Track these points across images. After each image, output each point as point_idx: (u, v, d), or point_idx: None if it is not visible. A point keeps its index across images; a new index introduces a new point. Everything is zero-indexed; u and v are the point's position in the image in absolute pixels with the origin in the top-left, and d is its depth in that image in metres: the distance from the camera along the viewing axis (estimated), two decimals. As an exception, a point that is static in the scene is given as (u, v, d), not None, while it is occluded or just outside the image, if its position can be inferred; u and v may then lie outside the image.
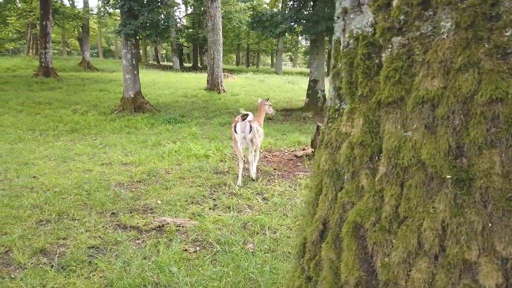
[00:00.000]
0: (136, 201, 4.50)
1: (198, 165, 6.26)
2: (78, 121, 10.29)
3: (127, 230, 3.73)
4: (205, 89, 18.63)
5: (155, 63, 42.32)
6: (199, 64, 37.16)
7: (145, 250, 3.25)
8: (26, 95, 14.37)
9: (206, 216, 4.01)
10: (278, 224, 3.76)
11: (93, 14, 31.21)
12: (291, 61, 58.67)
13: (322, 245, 1.19)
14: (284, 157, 7.03)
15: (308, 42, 51.09)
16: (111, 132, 9.41)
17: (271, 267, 2.80)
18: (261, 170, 6.08)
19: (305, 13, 13.34)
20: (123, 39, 12.00)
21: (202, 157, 6.77)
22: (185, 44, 36.85)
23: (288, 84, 22.82)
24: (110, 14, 14.93)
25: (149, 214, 4.13)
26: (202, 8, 31.54)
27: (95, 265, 3.01)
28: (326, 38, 14.80)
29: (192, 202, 4.46)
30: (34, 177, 5.45)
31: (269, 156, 7.08)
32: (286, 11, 14.17)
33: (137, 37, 12.12)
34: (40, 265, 3.04)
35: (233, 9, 29.94)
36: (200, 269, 2.89)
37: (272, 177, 5.68)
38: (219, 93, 18.16)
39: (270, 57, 54.49)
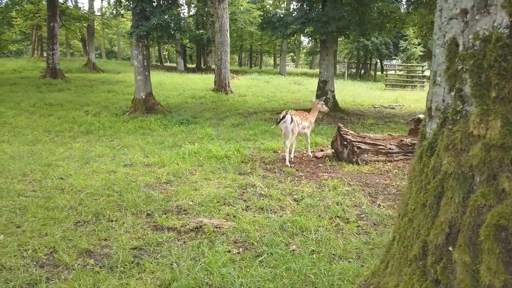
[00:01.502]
0: (168, 202, 4.53)
1: (220, 166, 6.30)
2: (92, 123, 10.32)
3: (165, 231, 3.76)
4: (213, 90, 18.66)
5: (159, 64, 42.40)
6: (202, 65, 37.17)
7: (189, 251, 3.28)
8: (37, 96, 14.41)
9: (241, 217, 4.04)
10: (316, 226, 3.79)
11: (98, 15, 31.23)
12: (292, 62, 58.66)
13: (450, 248, 1.20)
14: (304, 158, 7.06)
15: (310, 43, 51.18)
16: (126, 134, 9.44)
17: (323, 269, 2.83)
18: (283, 171, 6.11)
19: (314, 13, 13.36)
20: (134, 40, 12.03)
21: (222, 158, 6.79)
22: (189, 45, 36.86)
23: (294, 85, 22.83)
24: (122, 15, 14.92)
25: (184, 215, 4.16)
26: (206, 9, 31.63)
27: (142, 266, 3.04)
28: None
29: (224, 203, 4.49)
30: (61, 178, 5.48)
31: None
32: (296, 12, 14.18)
33: (149, 39, 12.14)
34: (87, 266, 3.07)
35: (237, 10, 29.97)
36: (249, 270, 2.92)
37: (297, 178, 5.70)
38: (227, 94, 18.19)
39: (272, 58, 54.53)
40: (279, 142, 8.16)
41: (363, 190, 5.05)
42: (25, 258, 3.16)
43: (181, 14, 28.92)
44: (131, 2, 11.44)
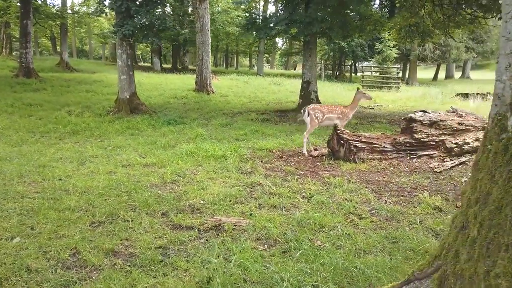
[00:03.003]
0: (179, 201, 4.51)
1: (220, 165, 6.31)
2: (77, 123, 10.07)
3: (184, 230, 3.75)
4: (194, 90, 18.54)
5: (133, 63, 41.56)
6: (178, 65, 36.80)
7: (215, 249, 3.30)
8: (12, 96, 13.87)
9: (257, 215, 4.09)
10: (332, 222, 3.88)
11: (72, 13, 30.29)
12: (267, 62, 59.00)
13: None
14: (300, 157, 7.16)
15: (284, 44, 51.63)
16: (115, 134, 9.26)
17: (357, 262, 2.92)
18: (283, 170, 6.19)
19: (298, 15, 13.53)
20: (118, 39, 11.80)
21: (220, 158, 6.81)
22: (165, 45, 36.41)
23: (274, 85, 23.00)
24: (106, 13, 14.57)
25: (198, 214, 4.16)
26: (183, 9, 31.36)
27: (174, 265, 3.03)
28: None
29: (236, 202, 4.52)
30: (60, 179, 5.34)
31: (284, 156, 7.20)
32: (279, 14, 14.33)
33: (133, 38, 11.94)
34: (116, 266, 3.04)
35: (215, 10, 29.87)
36: (283, 265, 2.97)
37: (298, 176, 5.79)
38: (208, 94, 18.13)
39: (248, 58, 54.62)
40: (273, 142, 8.25)
41: (366, 187, 5.20)
42: (49, 259, 3.09)
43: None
44: (115, 1, 11.21)
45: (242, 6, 28.23)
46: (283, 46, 51.87)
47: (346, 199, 4.60)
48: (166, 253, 3.26)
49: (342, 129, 6.94)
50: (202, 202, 4.52)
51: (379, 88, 22.81)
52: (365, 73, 26.02)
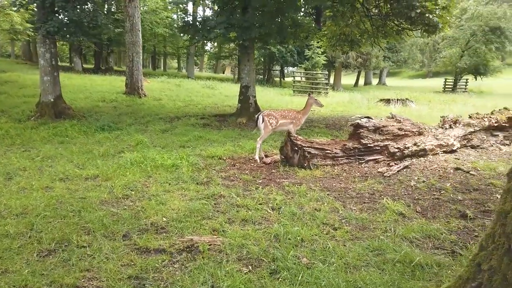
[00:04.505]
0: (139, 220, 4.05)
1: (173, 176, 5.88)
2: (-8, 130, 8.81)
3: (154, 254, 3.35)
4: (124, 93, 17.49)
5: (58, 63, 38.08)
6: (102, 66, 34.60)
7: (195, 275, 2.96)
8: None
9: (230, 231, 3.80)
10: (309, 235, 3.74)
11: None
12: (196, 65, 58.16)
13: None
14: (253, 164, 6.98)
15: (213, 48, 51.27)
16: (41, 142, 8.27)
17: (357, 279, 2.79)
18: (241, 179, 5.96)
19: (235, 19, 13.39)
20: (41, 36, 10.62)
21: (170, 167, 6.36)
22: (87, 44, 33.97)
23: (207, 89, 22.59)
24: (26, 8, 13.00)
25: (164, 234, 3.76)
26: (107, 6, 29.53)
27: (154, 298, 2.65)
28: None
29: (203, 218, 4.18)
30: (-14, 199, 4.53)
31: (237, 164, 6.96)
32: (217, 16, 14.03)
33: (58, 36, 10.80)
34: (83, 305, 2.57)
35: (143, 10, 28.58)
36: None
37: (258, 185, 5.60)
38: (140, 97, 17.22)
39: (176, 60, 53.28)
40: (221, 149, 7.96)
41: (328, 194, 5.18)
42: (-5, 305, 2.52)
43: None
44: (37, -7, 10.07)
45: (181, 6, 27.36)
46: (212, 49, 51.47)
47: (315, 209, 4.51)
48: (141, 284, 2.84)
49: (295, 135, 6.90)
50: (164, 219, 4.11)
51: (309, 94, 23.52)
52: (296, 78, 26.74)
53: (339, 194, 5.23)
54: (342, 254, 3.33)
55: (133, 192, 4.99)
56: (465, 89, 34.89)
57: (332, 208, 4.62)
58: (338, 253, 3.34)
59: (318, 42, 22.32)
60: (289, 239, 3.63)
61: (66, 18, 10.18)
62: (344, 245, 3.56)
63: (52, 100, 11.09)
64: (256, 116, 7.42)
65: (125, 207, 4.44)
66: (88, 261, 3.13)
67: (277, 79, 38.81)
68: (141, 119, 12.25)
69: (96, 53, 33.76)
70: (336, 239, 3.70)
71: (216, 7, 16.84)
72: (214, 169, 6.47)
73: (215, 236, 3.68)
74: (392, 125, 7.76)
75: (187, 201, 4.69)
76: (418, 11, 10.24)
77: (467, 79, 36.20)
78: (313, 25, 16.10)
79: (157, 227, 3.91)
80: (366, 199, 5.09)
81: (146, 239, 3.59)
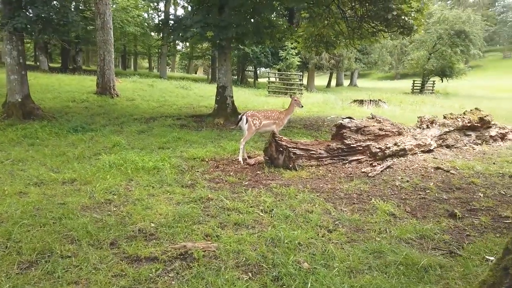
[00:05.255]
0: (126, 226, 3.83)
1: (155, 179, 5.65)
2: (-45, 131, 8.24)
3: (146, 263, 3.15)
4: (95, 93, 16.90)
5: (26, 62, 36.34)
6: (69, 65, 33.37)
7: (193, 284, 2.79)
8: None
9: (223, 236, 3.65)
10: (305, 238, 3.64)
11: None
12: (167, 65, 57.31)
13: None
14: (236, 166, 6.83)
15: (184, 48, 50.62)
16: (9, 145, 7.79)
17: (363, 285, 2.71)
18: (226, 181, 5.80)
19: (212, 18, 13.19)
20: (7, 33, 10.03)
21: (152, 170, 6.12)
22: (56, 41, 32.65)
23: (181, 89, 22.21)
24: None
25: (154, 241, 3.56)
26: (75, 3, 28.50)
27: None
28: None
29: (194, 222, 4.00)
30: (-47, 206, 4.17)
31: (221, 166, 6.80)
32: (193, 15, 13.76)
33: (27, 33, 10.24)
34: (74, 322, 2.35)
35: (113, 8, 27.75)
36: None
37: (245, 187, 5.46)
38: (113, 97, 16.70)
39: (147, 60, 52.23)
40: (202, 150, 7.77)
41: (317, 196, 5.11)
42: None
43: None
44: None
45: (152, 5, 26.74)
46: (184, 49, 50.83)
47: (307, 211, 4.42)
48: (136, 296, 2.65)
49: (280, 136, 6.81)
50: (153, 225, 3.90)
51: (284, 94, 23.62)
52: (271, 79, 26.76)
53: (328, 195, 5.18)
54: (343, 257, 3.25)
55: (115, 197, 4.74)
56: (432, 90, 36.08)
57: (324, 209, 4.55)
58: (339, 257, 3.25)
59: (292, 44, 22.43)
60: (286, 243, 3.51)
61: (34, 14, 9.65)
62: (343, 248, 3.48)
63: (19, 100, 10.52)
64: (239, 116, 7.28)
65: (109, 212, 4.20)
66: (75, 273, 2.90)
67: (251, 79, 38.73)
68: (115, 119, 11.84)
69: (64, 51, 32.48)
70: (333, 242, 3.62)
71: (189, 7, 16.56)
72: (197, 171, 6.28)
73: (209, 242, 3.52)
74: (373, 126, 7.81)
75: (174, 205, 4.49)
76: (395, 13, 10.41)
77: (434, 81, 37.45)
78: (289, 26, 16.09)
79: (146, 234, 3.70)
80: (355, 200, 5.05)
81: (135, 246, 3.38)
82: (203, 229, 3.82)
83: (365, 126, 7.62)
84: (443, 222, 4.27)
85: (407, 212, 4.64)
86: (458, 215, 4.46)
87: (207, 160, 7.13)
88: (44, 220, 3.80)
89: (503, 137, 10.29)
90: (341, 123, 7.37)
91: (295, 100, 7.68)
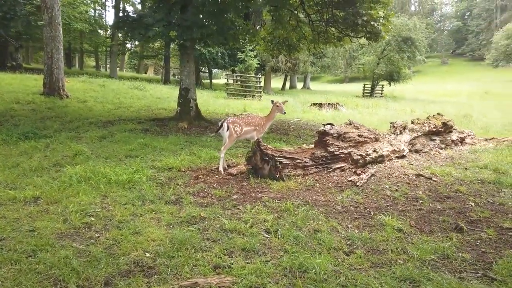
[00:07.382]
0: (117, 258, 3.23)
1: (134, 195, 5.02)
2: None
3: (153, 307, 2.62)
4: (42, 94, 15.49)
5: None
6: (7, 63, 30.63)
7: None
8: None
9: (235, 267, 3.18)
10: (325, 265, 3.27)
11: None
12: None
13: None
14: (217, 176, 6.34)
15: (133, 47, 48.67)
16: None
17: None
18: (213, 194, 5.31)
19: (175, 17, 12.51)
20: None
21: (127, 183, 5.47)
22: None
23: (136, 90, 21.06)
24: None
25: (156, 276, 3.01)
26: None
27: None
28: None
29: (195, 250, 3.48)
30: None
31: (200, 176, 6.27)
32: (154, 13, 12.96)
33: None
34: None
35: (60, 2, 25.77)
36: None
37: (236, 202, 5.01)
38: (62, 98, 15.40)
39: (94, 58, 49.46)
40: (176, 159, 7.17)
41: (314, 210, 4.78)
42: None
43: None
44: None
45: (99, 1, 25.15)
46: (133, 48, 48.81)
47: (315, 230, 4.07)
48: None
49: (265, 144, 6.42)
50: (148, 255, 3.34)
51: (243, 97, 23.26)
52: (229, 81, 26.25)
53: (326, 210, 4.86)
54: (376, 288, 2.93)
55: (94, 219, 4.08)
56: (381, 94, 37.54)
57: (330, 227, 4.22)
58: (371, 284, 2.93)
59: (253, 46, 22.13)
60: (308, 272, 3.12)
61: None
62: (369, 276, 3.16)
63: (-44, 101, 9.22)
64: (220, 123, 6.78)
65: (92, 240, 3.56)
66: (70, 329, 2.31)
67: (206, 81, 37.94)
68: (69, 124, 10.81)
69: (1, 48, 29.70)
70: (356, 269, 3.29)
71: (148, 4, 15.69)
72: (178, 184, 5.71)
73: (222, 276, 3.04)
74: (352, 132, 7.66)
75: (165, 228, 3.94)
76: (365, 18, 10.43)
77: (383, 85, 39.01)
78: (252, 27, 15.77)
79: (143, 267, 3.14)
80: (355, 214, 4.79)
81: (135, 286, 2.83)
82: (208, 257, 3.33)
83: (345, 133, 7.44)
84: (453, 237, 4.11)
85: (412, 226, 4.44)
86: (464, 228, 4.34)
87: (184, 170, 6.57)
88: (15, 256, 3.10)
89: (462, 141, 10.67)
90: (324, 130, 7.12)
91: (277, 106, 7.25)
